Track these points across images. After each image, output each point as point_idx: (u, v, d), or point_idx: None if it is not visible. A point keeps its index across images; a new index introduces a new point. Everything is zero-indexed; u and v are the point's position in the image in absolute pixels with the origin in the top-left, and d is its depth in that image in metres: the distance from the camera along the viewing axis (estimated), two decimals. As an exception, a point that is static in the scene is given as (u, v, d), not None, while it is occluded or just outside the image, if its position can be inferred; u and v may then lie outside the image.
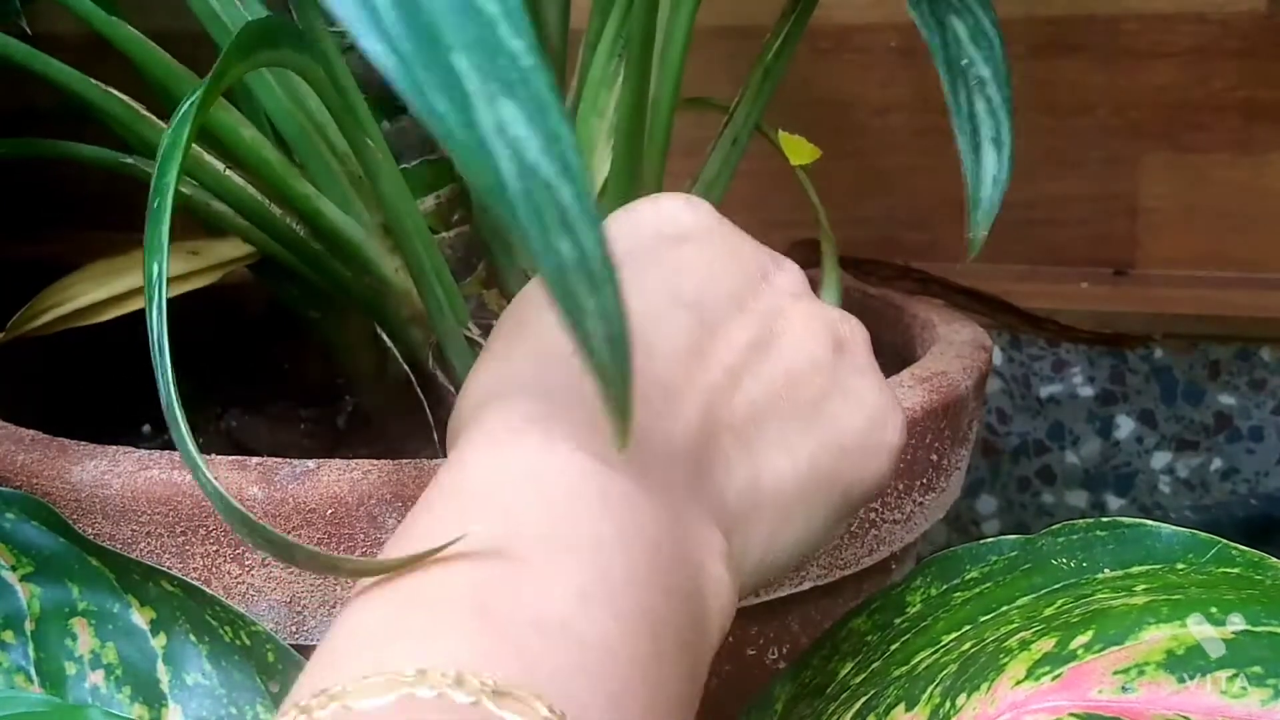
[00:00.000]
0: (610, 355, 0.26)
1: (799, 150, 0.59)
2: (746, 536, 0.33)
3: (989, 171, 0.40)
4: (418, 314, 0.52)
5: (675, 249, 0.35)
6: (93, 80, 0.50)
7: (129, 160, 0.52)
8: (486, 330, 0.53)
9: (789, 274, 0.37)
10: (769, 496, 0.33)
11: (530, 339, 0.33)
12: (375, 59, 0.24)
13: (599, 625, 0.27)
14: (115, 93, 0.50)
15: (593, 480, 0.29)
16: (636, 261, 0.34)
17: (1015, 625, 0.36)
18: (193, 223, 0.55)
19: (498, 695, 0.24)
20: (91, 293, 0.55)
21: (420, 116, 0.24)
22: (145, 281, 0.34)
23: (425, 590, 0.27)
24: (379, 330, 0.54)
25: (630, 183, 0.52)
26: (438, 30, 0.25)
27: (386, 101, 0.51)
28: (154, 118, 0.51)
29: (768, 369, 0.34)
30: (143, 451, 0.45)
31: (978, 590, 0.39)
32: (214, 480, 0.30)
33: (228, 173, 0.51)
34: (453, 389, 0.52)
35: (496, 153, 0.25)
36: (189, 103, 0.36)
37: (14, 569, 0.40)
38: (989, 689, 0.34)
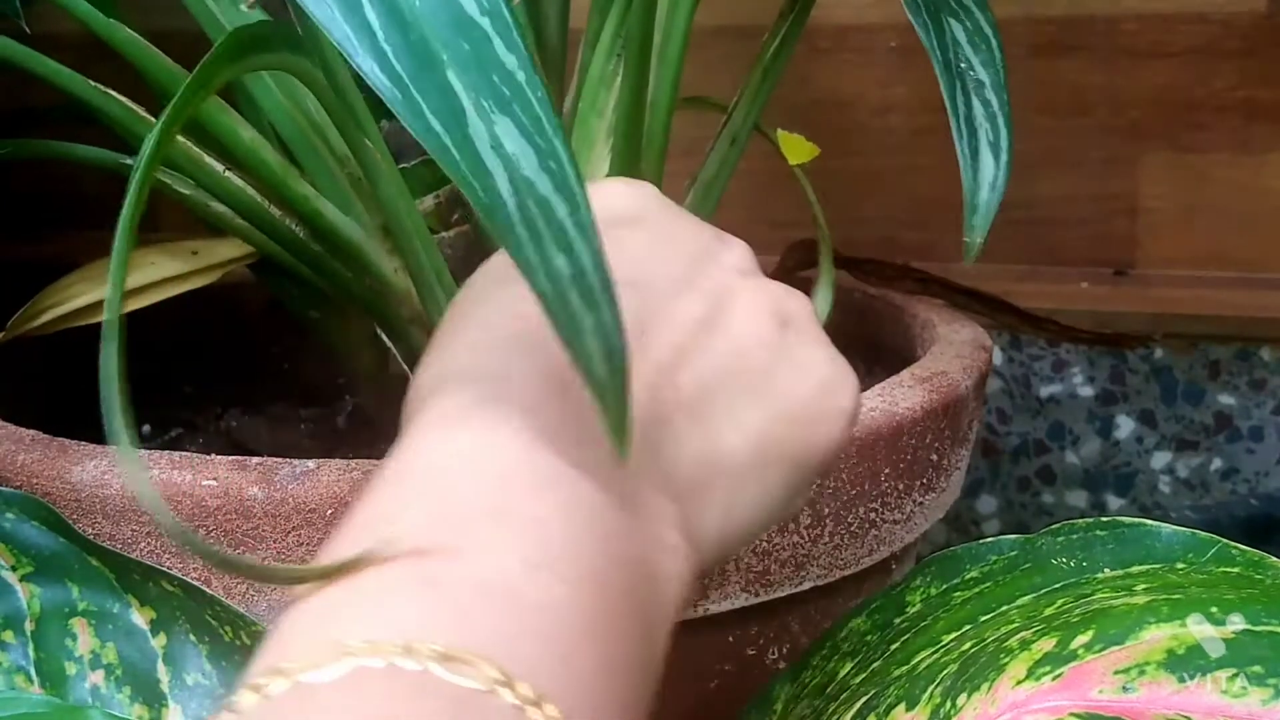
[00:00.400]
0: (608, 372, 0.26)
1: (797, 149, 0.59)
2: (702, 507, 0.34)
3: (986, 176, 0.40)
4: (417, 314, 0.52)
5: (614, 231, 0.34)
6: (91, 82, 0.50)
7: (128, 162, 0.52)
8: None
9: (735, 252, 0.37)
10: (723, 468, 0.34)
11: (471, 328, 0.34)
12: (370, 78, 0.24)
13: (545, 590, 0.27)
14: (114, 94, 0.50)
15: (535, 457, 0.30)
16: None
17: (1015, 625, 0.36)
18: (193, 222, 0.55)
19: (446, 660, 0.25)
20: (91, 292, 0.55)
21: (416, 134, 0.24)
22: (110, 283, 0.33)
23: (370, 569, 0.27)
24: (379, 331, 0.54)
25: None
26: (431, 48, 0.25)
27: (380, 104, 0.51)
28: (153, 119, 0.51)
29: (716, 345, 0.34)
30: (143, 451, 0.45)
31: (978, 590, 0.39)
32: (145, 479, 0.30)
33: (227, 174, 0.51)
34: None
35: (492, 169, 0.25)
36: (170, 108, 0.35)
37: (14, 569, 0.40)
38: (989, 689, 0.34)
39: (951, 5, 0.42)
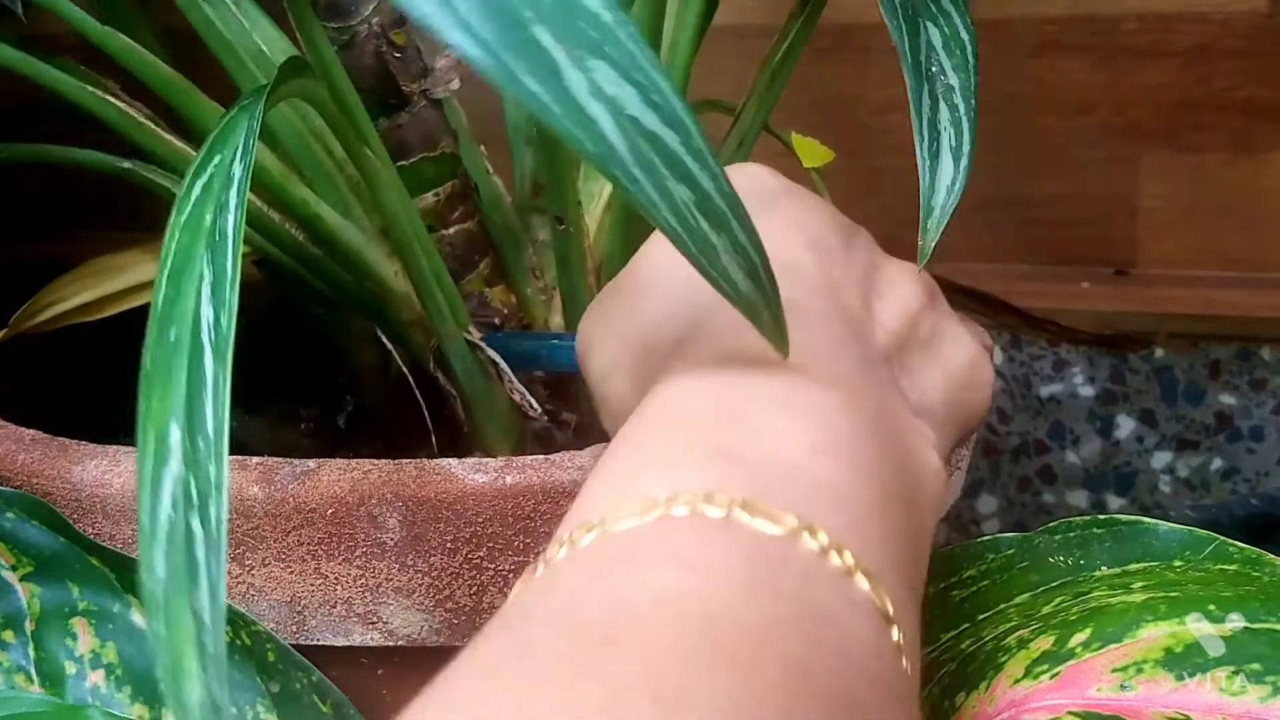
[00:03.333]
0: (753, 288, 0.27)
1: (812, 153, 0.59)
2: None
3: (944, 180, 0.40)
4: (418, 317, 0.52)
5: (785, 202, 0.37)
6: (89, 88, 0.50)
7: (126, 165, 0.52)
8: (488, 329, 0.53)
9: (866, 234, 0.39)
10: (929, 417, 0.36)
11: (671, 296, 0.35)
12: (461, 52, 0.24)
13: (831, 471, 0.28)
14: (111, 99, 0.50)
15: (818, 359, 0.31)
16: (759, 214, 0.36)
17: (1013, 623, 0.36)
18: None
19: (748, 507, 0.26)
20: (91, 290, 0.55)
21: (517, 99, 0.24)
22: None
23: (666, 442, 0.29)
24: (380, 333, 0.54)
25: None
26: (513, 7, 0.24)
27: (383, 99, 0.51)
28: (151, 124, 0.51)
29: (890, 307, 0.36)
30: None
31: (975, 589, 0.39)
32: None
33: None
34: (454, 391, 0.52)
35: (596, 116, 0.25)
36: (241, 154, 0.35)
37: (14, 569, 0.41)
38: (987, 688, 0.34)
39: (930, 9, 0.42)
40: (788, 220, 0.36)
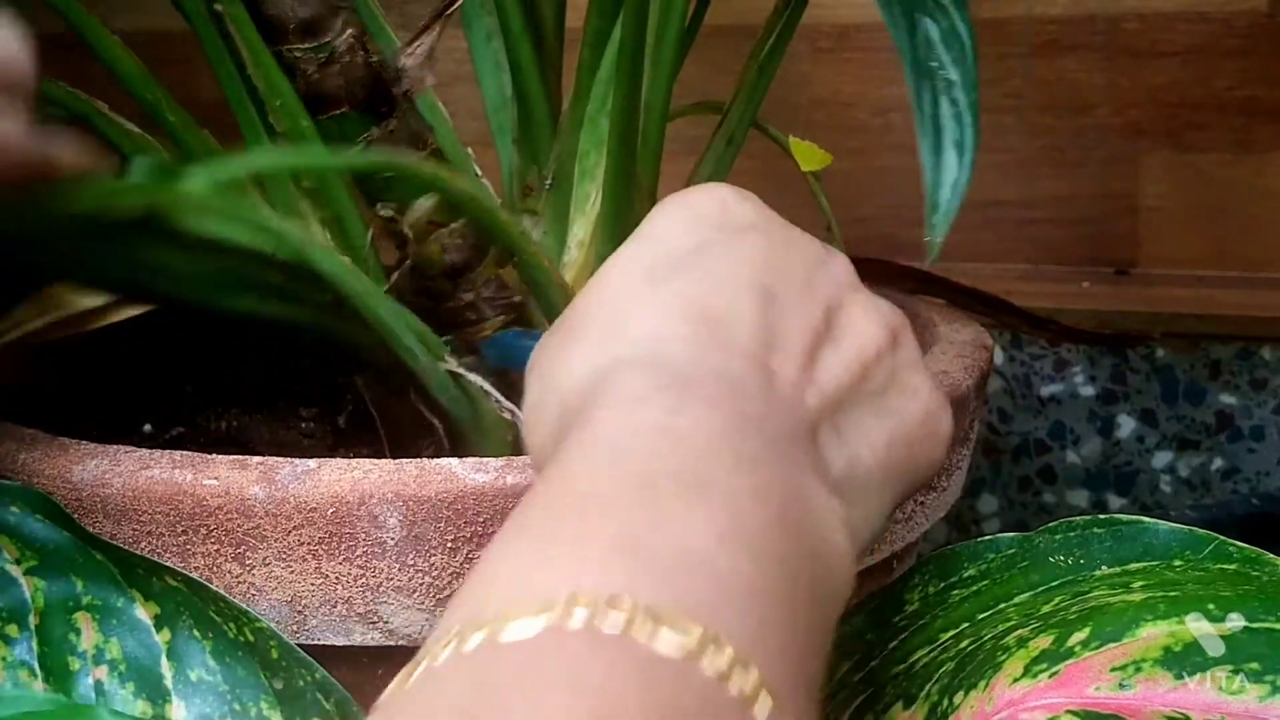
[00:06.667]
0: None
1: (810, 156, 0.59)
2: (849, 509, 0.34)
3: (949, 176, 0.40)
4: (395, 361, 0.51)
5: (737, 238, 0.35)
6: (77, 92, 0.50)
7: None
8: (508, 310, 0.53)
9: (841, 264, 0.37)
10: (859, 483, 0.34)
11: (645, 318, 0.34)
12: None
13: (740, 564, 0.27)
14: (96, 103, 0.50)
15: (727, 439, 0.30)
16: (709, 249, 0.35)
17: (1013, 623, 0.36)
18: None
19: (652, 617, 0.25)
20: (91, 296, 0.55)
21: None
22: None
23: (569, 525, 0.28)
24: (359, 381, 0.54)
25: (625, 185, 0.52)
26: None
27: (375, 107, 0.51)
28: (135, 127, 0.51)
29: (841, 357, 0.34)
30: (143, 451, 0.45)
31: (975, 588, 0.39)
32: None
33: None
34: (437, 421, 0.51)
35: None
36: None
37: (18, 562, 0.41)
38: (986, 687, 0.34)
39: (927, 4, 0.42)
40: (739, 259, 0.35)
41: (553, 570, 0.26)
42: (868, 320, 0.35)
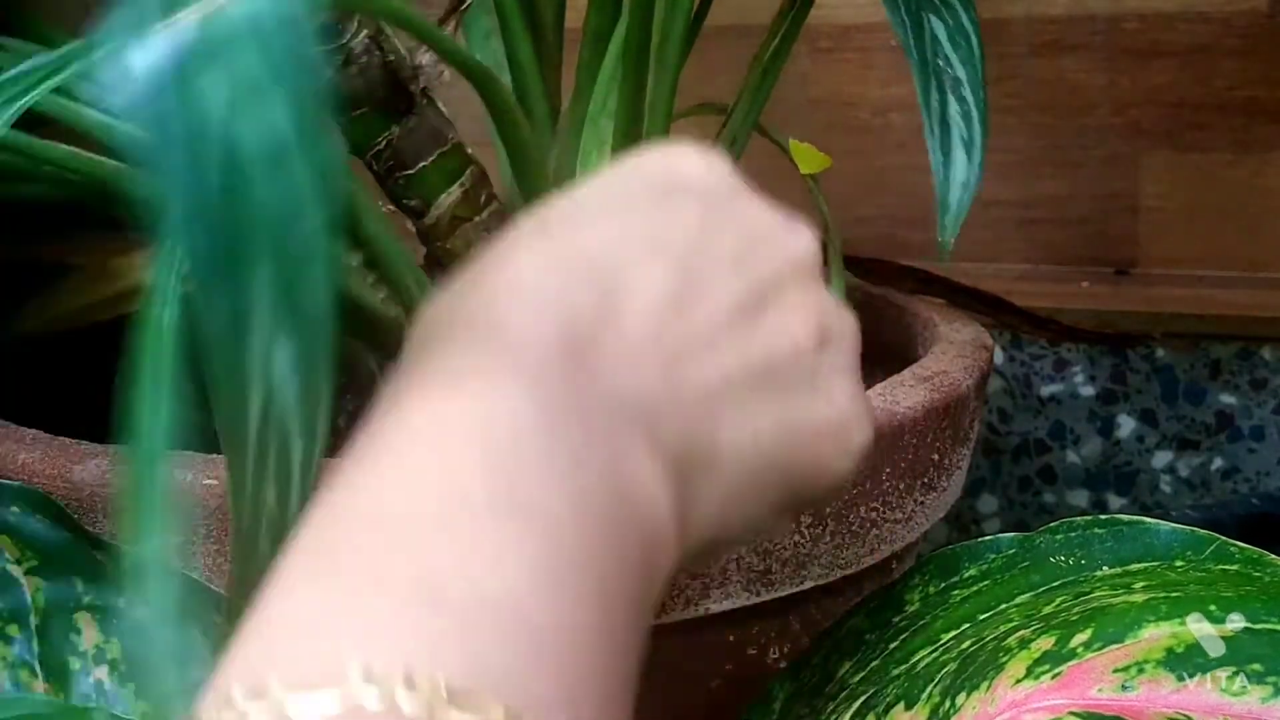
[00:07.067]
0: None
1: (809, 158, 0.59)
2: (698, 493, 0.32)
3: (958, 175, 0.40)
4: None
5: (668, 199, 0.34)
6: (62, 100, 0.50)
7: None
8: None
9: (800, 243, 0.35)
10: (726, 463, 0.33)
11: (506, 266, 0.32)
12: None
13: (552, 606, 0.26)
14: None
15: (540, 438, 0.28)
16: (624, 207, 0.33)
17: (1014, 623, 0.36)
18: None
19: (452, 698, 0.23)
20: (91, 293, 0.55)
21: None
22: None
23: (369, 567, 0.25)
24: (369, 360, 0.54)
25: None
26: None
27: (395, 105, 0.51)
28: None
29: (749, 341, 0.33)
30: (144, 450, 0.45)
31: (976, 588, 0.39)
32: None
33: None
34: None
35: None
36: None
37: (19, 562, 0.40)
38: (988, 688, 0.34)
39: (934, 2, 0.42)
40: (655, 223, 0.33)
41: (342, 629, 0.24)
42: (795, 313, 0.34)
